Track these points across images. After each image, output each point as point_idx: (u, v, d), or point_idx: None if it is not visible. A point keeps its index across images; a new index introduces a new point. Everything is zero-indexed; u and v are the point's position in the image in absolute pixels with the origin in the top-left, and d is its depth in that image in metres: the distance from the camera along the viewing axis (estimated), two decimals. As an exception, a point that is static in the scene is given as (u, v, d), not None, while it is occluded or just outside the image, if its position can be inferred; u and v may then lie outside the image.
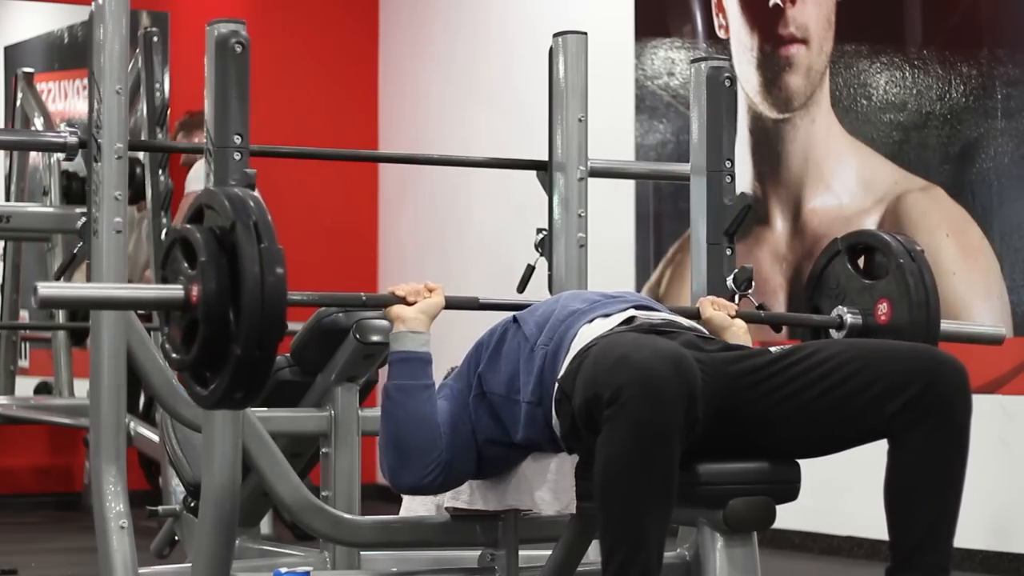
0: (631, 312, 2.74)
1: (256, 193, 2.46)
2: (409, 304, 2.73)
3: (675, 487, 2.42)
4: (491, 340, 2.80)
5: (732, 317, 2.99)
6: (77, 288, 2.52)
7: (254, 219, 2.38)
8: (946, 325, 3.00)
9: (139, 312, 2.89)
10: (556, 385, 2.64)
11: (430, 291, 2.75)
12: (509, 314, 2.85)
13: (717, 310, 3.00)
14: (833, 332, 3.03)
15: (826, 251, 3.12)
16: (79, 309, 2.79)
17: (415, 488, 2.75)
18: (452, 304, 2.81)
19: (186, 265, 2.42)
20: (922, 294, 2.94)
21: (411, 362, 2.70)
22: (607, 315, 2.72)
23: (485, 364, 2.77)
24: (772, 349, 2.66)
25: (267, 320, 2.34)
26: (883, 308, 2.96)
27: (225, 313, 2.36)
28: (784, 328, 3.56)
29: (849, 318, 3.01)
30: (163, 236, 6.08)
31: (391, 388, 2.70)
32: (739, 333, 2.98)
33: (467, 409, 2.76)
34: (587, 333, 2.67)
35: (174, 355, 2.46)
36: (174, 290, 2.42)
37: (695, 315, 3.00)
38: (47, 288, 2.41)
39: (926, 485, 2.54)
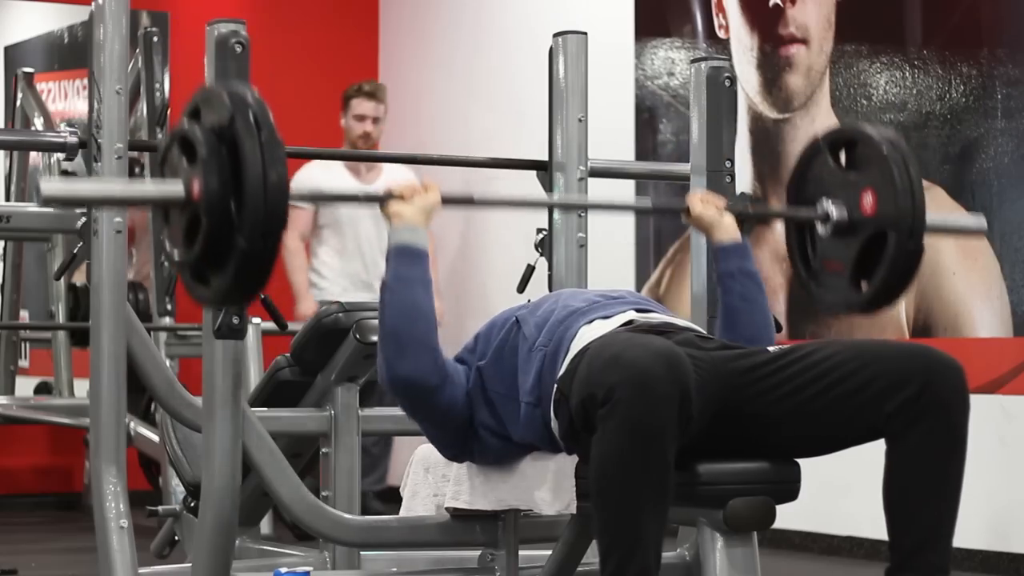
0: (631, 314, 2.74)
1: (255, 89, 2.45)
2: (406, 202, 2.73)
3: (671, 485, 2.42)
4: (493, 335, 2.79)
5: (721, 212, 2.95)
6: (79, 184, 2.52)
7: (253, 112, 2.37)
8: (930, 217, 2.92)
9: (138, 311, 2.89)
10: (555, 386, 2.64)
11: (426, 190, 2.75)
12: (512, 309, 2.85)
13: (705, 204, 2.96)
14: (819, 225, 2.99)
15: (808, 150, 3.05)
16: (81, 206, 2.78)
17: (411, 380, 2.68)
18: (448, 200, 2.79)
19: (185, 163, 2.40)
20: (906, 180, 2.86)
21: (408, 255, 2.69)
22: (607, 317, 2.72)
23: (487, 361, 2.77)
24: (770, 348, 2.66)
25: (270, 210, 2.32)
26: (868, 199, 2.91)
27: (227, 205, 2.34)
28: (784, 329, 3.56)
29: (834, 211, 2.95)
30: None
31: (389, 279, 2.69)
32: (729, 229, 2.94)
33: (464, 383, 2.77)
34: (586, 334, 2.67)
35: (175, 254, 2.44)
36: (174, 185, 2.40)
37: (684, 211, 2.97)
38: (50, 185, 2.38)
39: (924, 485, 2.54)
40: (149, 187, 2.51)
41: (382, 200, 2.73)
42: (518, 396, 2.71)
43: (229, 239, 2.34)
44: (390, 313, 2.68)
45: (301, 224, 6.08)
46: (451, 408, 2.75)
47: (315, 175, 5.94)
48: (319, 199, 2.78)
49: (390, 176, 6.04)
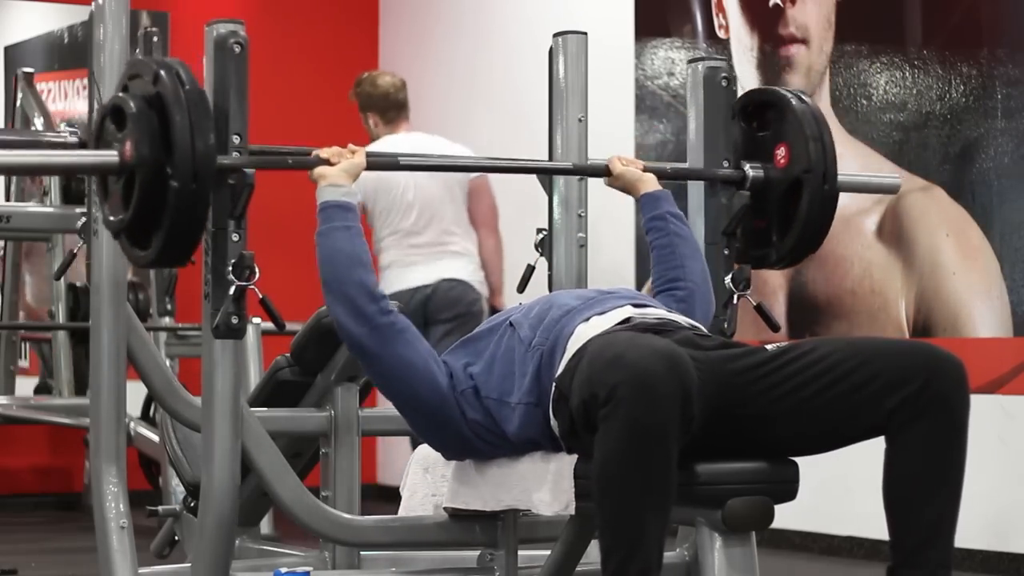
0: (628, 310, 2.73)
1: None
2: (332, 165, 2.81)
3: (673, 485, 2.42)
4: (482, 343, 2.80)
5: (642, 171, 3.12)
6: (19, 156, 2.68)
7: (176, 69, 2.57)
8: (841, 177, 3.08)
9: (138, 311, 2.90)
10: (554, 385, 2.64)
11: (352, 152, 2.83)
12: (502, 314, 2.85)
13: (626, 166, 3.12)
14: (739, 191, 3.11)
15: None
16: (16, 175, 3.03)
17: (347, 324, 2.71)
18: (372, 165, 2.87)
19: (117, 132, 2.58)
20: (815, 128, 3.03)
21: (328, 210, 2.77)
22: (603, 312, 2.72)
23: (479, 369, 2.76)
24: (768, 347, 2.66)
25: (199, 154, 2.53)
26: (781, 152, 3.08)
27: (159, 159, 2.53)
28: (784, 328, 3.56)
29: (751, 172, 3.11)
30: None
31: (316, 237, 2.75)
32: (651, 182, 3.11)
33: (443, 372, 2.76)
34: (584, 332, 2.67)
35: (112, 219, 2.61)
36: (109, 155, 2.59)
37: (606, 172, 3.12)
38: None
39: (926, 481, 2.54)
40: (86, 156, 2.71)
41: (310, 165, 2.82)
42: (510, 400, 2.71)
43: (162, 195, 2.53)
44: (320, 267, 2.74)
45: None
46: (411, 366, 2.73)
47: None
48: (261, 165, 2.83)
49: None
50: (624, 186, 3.13)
